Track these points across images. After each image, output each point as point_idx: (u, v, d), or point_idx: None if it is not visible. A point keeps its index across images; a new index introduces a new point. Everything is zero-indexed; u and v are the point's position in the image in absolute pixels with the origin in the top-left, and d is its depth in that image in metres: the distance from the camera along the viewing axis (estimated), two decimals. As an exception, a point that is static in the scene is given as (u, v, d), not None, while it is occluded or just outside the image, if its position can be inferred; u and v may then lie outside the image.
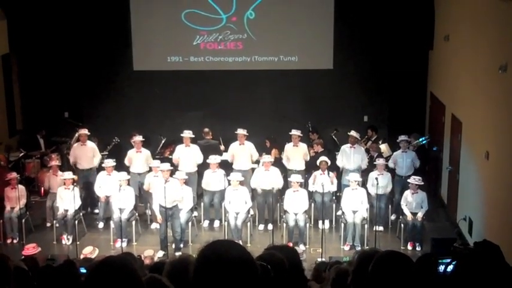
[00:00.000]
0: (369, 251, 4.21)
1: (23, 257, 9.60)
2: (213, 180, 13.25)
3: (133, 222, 12.66)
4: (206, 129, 14.65)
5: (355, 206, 12.35)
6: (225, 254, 2.40)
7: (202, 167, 13.70)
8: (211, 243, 2.48)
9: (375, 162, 13.19)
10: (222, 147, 14.63)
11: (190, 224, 12.55)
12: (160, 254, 11.83)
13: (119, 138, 14.97)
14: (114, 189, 12.64)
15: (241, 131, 13.78)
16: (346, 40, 15.84)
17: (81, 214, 13.00)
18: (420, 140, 14.35)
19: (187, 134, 13.75)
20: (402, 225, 12.43)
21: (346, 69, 16.05)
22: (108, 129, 15.58)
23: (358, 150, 13.62)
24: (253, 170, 13.68)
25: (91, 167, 13.91)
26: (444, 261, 3.87)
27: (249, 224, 12.65)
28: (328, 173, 13.01)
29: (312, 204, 13.18)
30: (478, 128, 11.47)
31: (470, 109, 12.01)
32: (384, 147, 14.53)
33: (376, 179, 12.39)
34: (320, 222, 12.71)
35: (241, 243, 11.43)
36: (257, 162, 13.85)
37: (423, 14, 15.29)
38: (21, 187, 12.77)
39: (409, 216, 12.25)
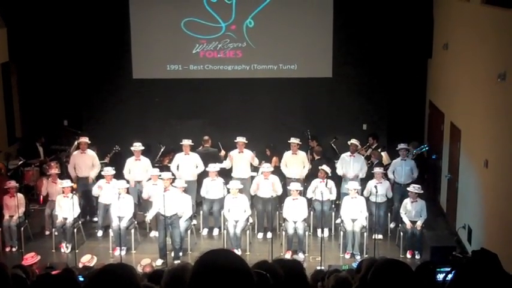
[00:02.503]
0: (378, 258, 4.21)
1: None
2: (212, 188, 13.24)
3: (132, 231, 12.64)
4: (206, 137, 14.65)
5: (354, 214, 12.34)
6: (221, 263, 2.39)
7: (202, 175, 13.70)
8: (207, 253, 2.47)
9: (372, 171, 13.18)
10: (223, 153, 14.62)
11: (189, 232, 12.53)
12: (159, 262, 11.81)
13: (119, 147, 14.97)
14: (113, 198, 12.63)
15: (240, 139, 13.80)
16: (345, 48, 15.88)
17: (80, 222, 12.97)
18: (418, 148, 14.35)
19: (187, 142, 13.77)
20: (401, 233, 12.43)
21: (345, 78, 16.07)
22: (107, 137, 15.56)
23: (357, 159, 13.62)
24: (252, 178, 13.68)
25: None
26: (443, 269, 3.87)
27: (248, 232, 12.63)
28: (326, 183, 12.99)
29: (311, 213, 13.17)
30: (477, 136, 11.48)
31: (469, 117, 12.02)
32: (383, 155, 14.53)
33: (375, 187, 12.40)
34: (319, 230, 12.70)
35: (240, 251, 11.34)
36: (256, 170, 13.85)
37: (422, 22, 15.33)
38: (20, 195, 12.76)
39: (408, 225, 12.25)
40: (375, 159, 14.17)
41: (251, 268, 2.50)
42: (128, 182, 13.21)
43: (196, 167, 13.79)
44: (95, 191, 13.23)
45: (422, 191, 12.45)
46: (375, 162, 13.99)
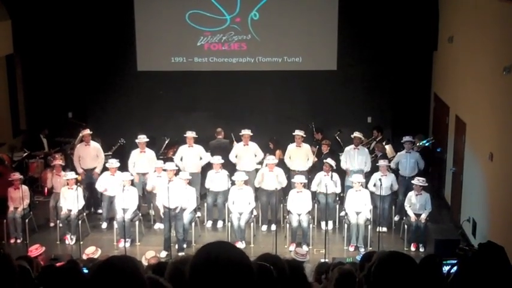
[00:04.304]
0: (386, 251, 4.20)
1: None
2: (216, 180, 13.24)
3: (137, 223, 12.66)
4: (219, 129, 14.63)
5: (358, 207, 12.34)
6: (220, 256, 2.37)
7: (206, 167, 13.71)
8: (206, 245, 2.45)
9: (377, 164, 13.17)
10: (235, 144, 14.60)
11: (193, 224, 12.54)
12: (164, 254, 11.83)
13: (124, 139, 14.98)
14: (118, 190, 12.64)
15: (246, 132, 13.78)
16: (350, 41, 15.83)
17: (84, 214, 13.00)
18: (423, 142, 14.34)
19: (191, 134, 13.77)
20: (406, 226, 12.42)
21: (350, 70, 16.03)
22: (111, 129, 15.60)
23: (361, 152, 13.60)
24: (257, 170, 13.67)
25: (95, 166, 13.91)
26: (448, 262, 3.86)
27: (252, 224, 12.64)
28: (332, 176, 12.96)
29: (316, 205, 13.16)
30: (482, 129, 11.45)
31: (475, 110, 11.99)
32: (387, 148, 14.50)
33: (380, 180, 12.38)
34: (323, 223, 12.70)
35: (244, 243, 11.35)
36: (261, 163, 13.84)
37: (427, 15, 15.27)
38: (24, 187, 12.78)
39: (413, 218, 12.23)
40: (379, 152, 14.15)
41: (255, 260, 2.49)
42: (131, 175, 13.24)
43: (200, 158, 13.82)
44: (100, 188, 13.23)
45: (426, 184, 12.44)
46: (379, 155, 13.97)
